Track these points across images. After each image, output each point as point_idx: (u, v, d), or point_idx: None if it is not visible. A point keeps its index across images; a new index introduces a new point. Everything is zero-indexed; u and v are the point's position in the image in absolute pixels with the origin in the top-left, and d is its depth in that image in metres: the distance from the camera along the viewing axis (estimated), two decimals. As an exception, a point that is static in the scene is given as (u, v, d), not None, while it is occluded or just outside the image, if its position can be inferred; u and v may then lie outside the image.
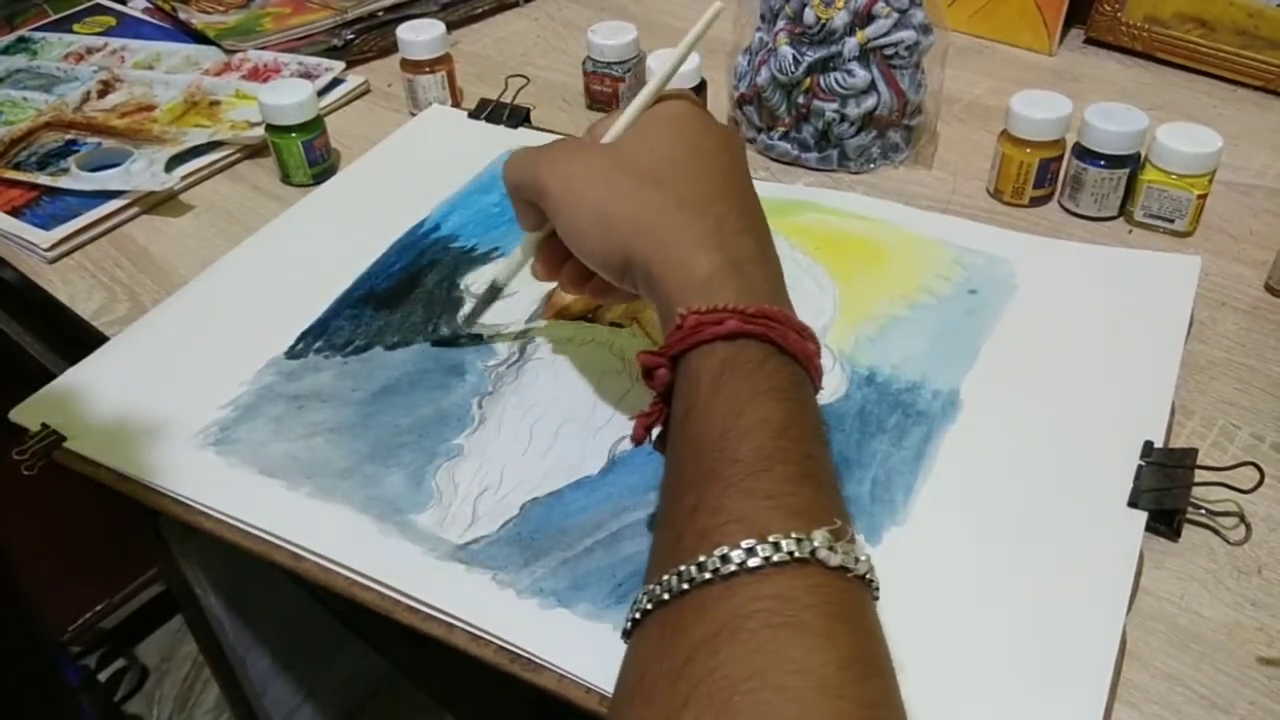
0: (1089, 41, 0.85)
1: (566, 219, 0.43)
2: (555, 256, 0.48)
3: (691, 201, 0.41)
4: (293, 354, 0.54)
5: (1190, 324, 0.54)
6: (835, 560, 0.31)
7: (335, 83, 0.81)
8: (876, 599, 0.34)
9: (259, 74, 0.81)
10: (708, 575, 0.31)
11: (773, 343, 0.37)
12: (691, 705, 0.29)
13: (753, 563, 0.31)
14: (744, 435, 0.34)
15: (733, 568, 0.31)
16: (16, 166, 0.72)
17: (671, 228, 0.40)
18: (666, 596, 0.32)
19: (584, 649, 0.39)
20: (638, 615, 0.33)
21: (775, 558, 0.31)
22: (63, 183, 0.69)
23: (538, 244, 0.48)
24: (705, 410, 0.36)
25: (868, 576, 0.33)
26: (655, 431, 0.40)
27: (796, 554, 0.31)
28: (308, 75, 0.80)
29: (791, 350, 0.37)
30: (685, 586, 0.31)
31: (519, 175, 0.45)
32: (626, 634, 0.34)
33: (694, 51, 0.71)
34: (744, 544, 0.31)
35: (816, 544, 0.31)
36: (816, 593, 0.31)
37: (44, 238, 0.65)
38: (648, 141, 0.44)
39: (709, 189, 0.42)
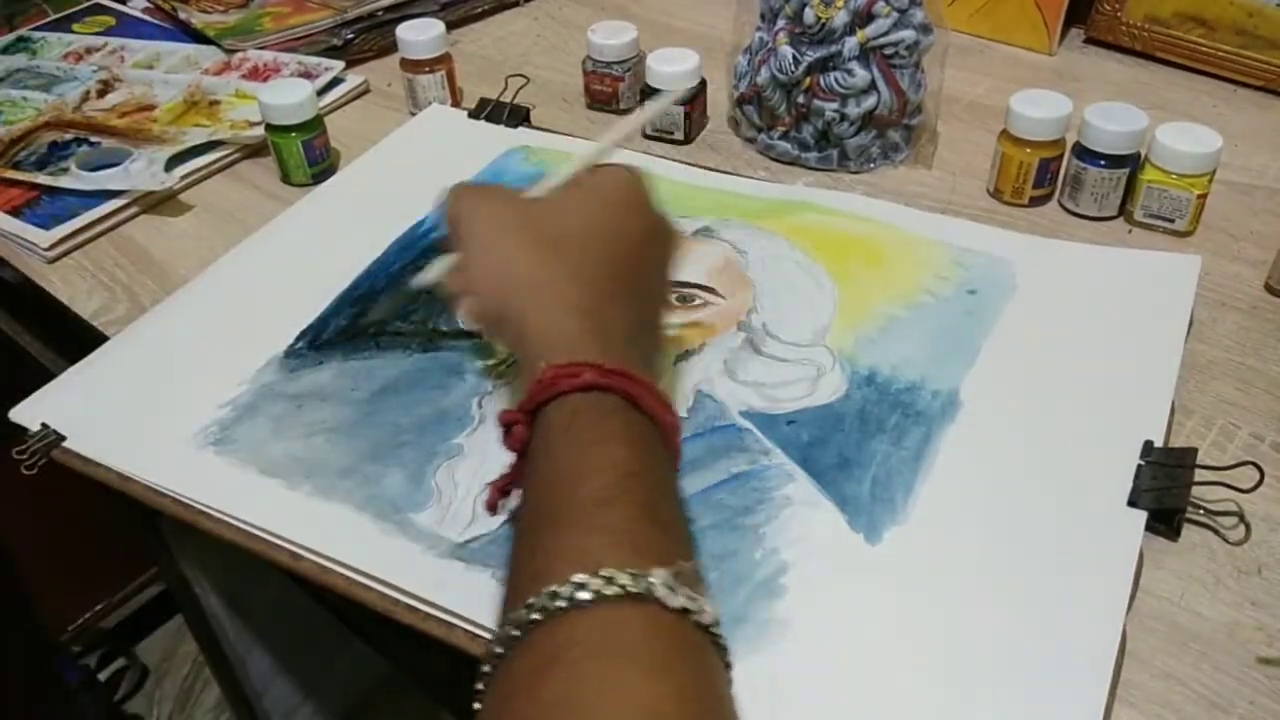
0: (1089, 41, 0.85)
1: (466, 253, 0.44)
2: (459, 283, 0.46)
3: (583, 275, 0.41)
4: (292, 353, 0.54)
5: (1190, 323, 0.54)
6: (676, 602, 0.29)
7: (335, 82, 0.81)
8: (728, 666, 0.30)
9: (259, 73, 0.81)
10: (535, 616, 0.29)
11: (629, 399, 0.36)
12: None
13: (582, 596, 0.28)
14: (588, 475, 0.33)
15: (561, 604, 0.28)
16: (16, 166, 0.72)
17: (551, 293, 0.40)
18: (500, 650, 0.30)
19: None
20: (481, 687, 0.30)
21: (607, 591, 0.28)
22: (62, 182, 0.69)
23: (451, 267, 0.47)
24: (554, 453, 0.35)
25: (713, 630, 0.30)
26: (512, 504, 0.38)
27: (631, 589, 0.28)
28: (307, 75, 0.80)
29: (649, 411, 0.36)
30: (516, 634, 0.29)
31: (448, 203, 0.45)
32: (479, 696, 0.30)
33: (693, 51, 0.71)
34: (574, 579, 0.29)
35: (654, 582, 0.28)
36: (652, 630, 0.28)
37: (44, 237, 0.65)
38: (569, 205, 0.44)
39: (607, 269, 0.41)
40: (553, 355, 0.37)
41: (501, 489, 0.38)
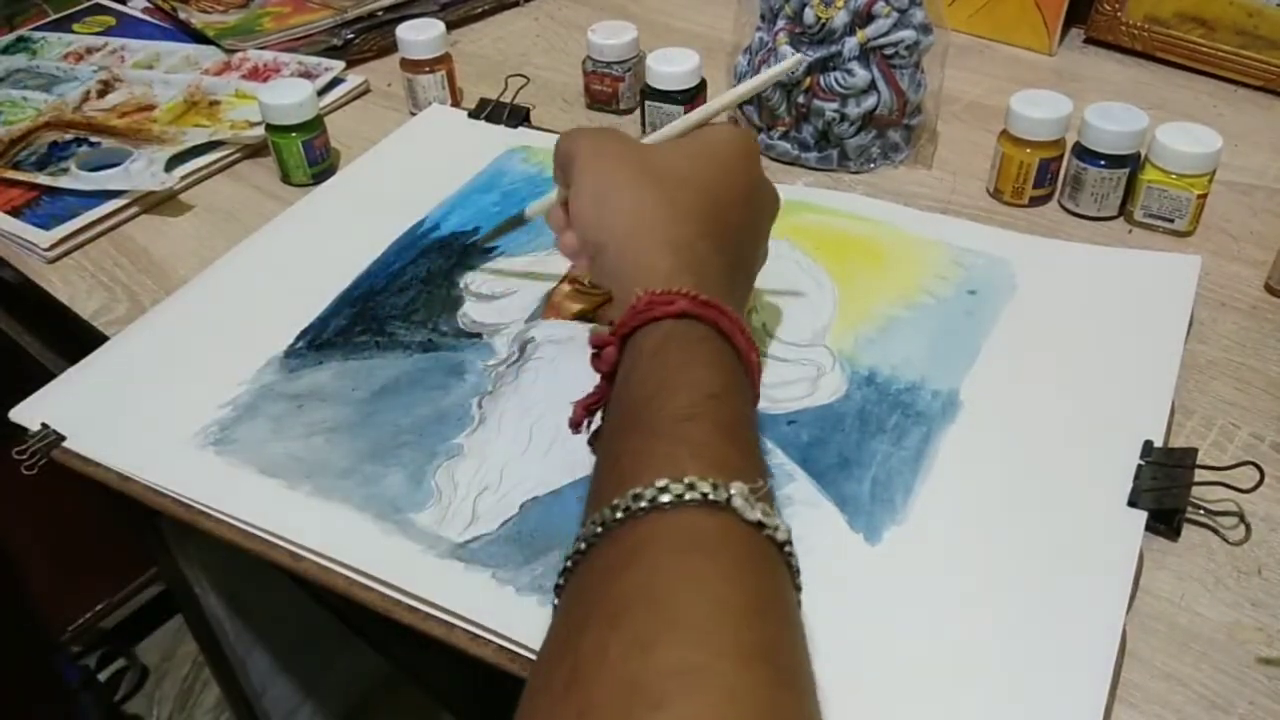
0: (1089, 41, 0.85)
1: (575, 186, 0.45)
2: (564, 218, 0.49)
3: (678, 213, 0.42)
4: (292, 353, 0.54)
5: (1190, 324, 0.54)
6: (752, 515, 0.30)
7: (335, 82, 0.81)
8: (798, 588, 0.32)
9: (259, 74, 0.81)
10: (619, 515, 0.30)
11: (719, 331, 0.37)
12: (583, 628, 0.28)
13: (664, 499, 0.30)
14: (674, 392, 0.34)
15: (644, 505, 0.30)
16: (16, 166, 0.72)
17: (650, 227, 0.42)
18: (583, 546, 0.31)
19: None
20: (561, 581, 0.32)
21: (688, 496, 0.30)
22: (62, 182, 0.69)
23: (559, 200, 0.50)
24: (642, 374, 0.36)
25: (786, 548, 0.31)
26: (594, 426, 0.40)
27: (711, 497, 0.30)
28: (307, 75, 0.80)
29: (736, 346, 0.38)
30: (598, 531, 0.31)
31: (563, 140, 0.48)
32: (558, 591, 0.32)
33: (693, 51, 0.71)
34: (658, 483, 0.30)
35: (733, 493, 0.30)
36: (729, 537, 0.30)
37: (44, 237, 0.65)
38: (676, 151, 0.46)
39: (702, 211, 0.43)
40: (649, 284, 0.38)
41: (587, 407, 0.40)
